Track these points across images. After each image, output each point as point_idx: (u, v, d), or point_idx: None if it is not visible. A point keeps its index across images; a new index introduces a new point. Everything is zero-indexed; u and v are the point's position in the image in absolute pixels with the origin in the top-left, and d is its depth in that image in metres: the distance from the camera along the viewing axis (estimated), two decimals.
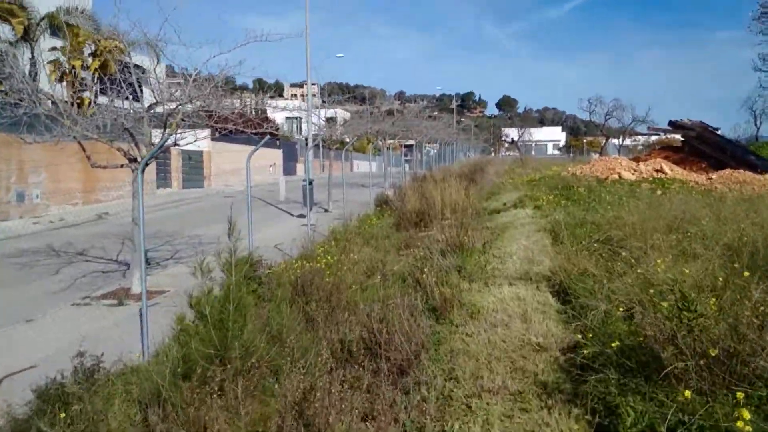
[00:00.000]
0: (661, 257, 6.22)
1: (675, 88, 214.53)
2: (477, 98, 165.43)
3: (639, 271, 5.84)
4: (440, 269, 8.45)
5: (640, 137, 63.07)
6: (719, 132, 27.41)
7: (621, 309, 5.00)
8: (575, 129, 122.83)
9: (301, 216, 18.96)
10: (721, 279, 4.97)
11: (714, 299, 4.44)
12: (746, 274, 4.88)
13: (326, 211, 21.59)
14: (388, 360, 4.89)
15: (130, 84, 8.71)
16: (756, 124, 48.17)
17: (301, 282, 7.72)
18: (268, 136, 18.21)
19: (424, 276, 7.53)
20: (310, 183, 19.74)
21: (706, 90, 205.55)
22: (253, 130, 12.55)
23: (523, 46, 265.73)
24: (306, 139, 42.24)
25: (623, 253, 7.03)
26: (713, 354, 3.72)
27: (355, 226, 14.87)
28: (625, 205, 11.09)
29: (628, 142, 56.66)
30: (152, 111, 9.15)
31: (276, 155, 44.64)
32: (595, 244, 7.52)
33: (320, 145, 28.04)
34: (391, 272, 9.27)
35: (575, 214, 11.31)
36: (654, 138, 66.91)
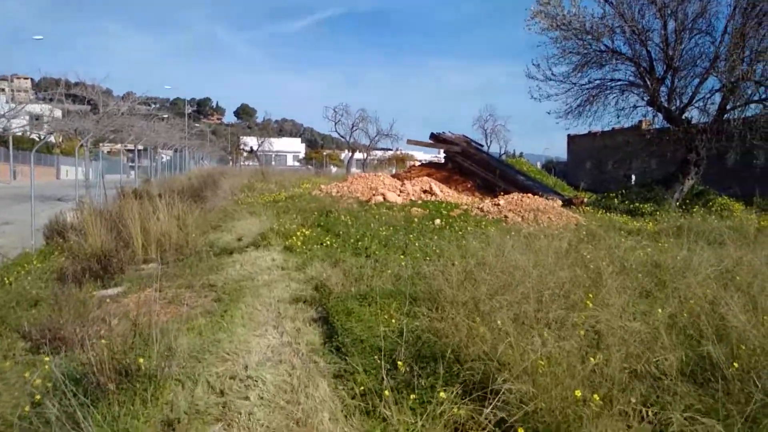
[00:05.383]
0: None
1: (405, 108, 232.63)
2: (214, 105, 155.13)
3: None
4: None
5: (377, 152, 63.34)
6: (483, 148, 26.12)
7: None
8: (313, 142, 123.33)
9: None
10: None
11: None
12: None
13: None
14: None
15: None
16: (487, 143, 51.74)
17: None
18: None
19: None
20: None
21: (432, 109, 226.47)
22: None
23: (259, 56, 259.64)
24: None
25: None
26: None
27: None
28: (421, 250, 7.12)
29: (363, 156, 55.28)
30: None
31: None
32: (451, 401, 3.11)
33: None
34: None
35: (351, 270, 6.95)
36: (389, 153, 68.72)
